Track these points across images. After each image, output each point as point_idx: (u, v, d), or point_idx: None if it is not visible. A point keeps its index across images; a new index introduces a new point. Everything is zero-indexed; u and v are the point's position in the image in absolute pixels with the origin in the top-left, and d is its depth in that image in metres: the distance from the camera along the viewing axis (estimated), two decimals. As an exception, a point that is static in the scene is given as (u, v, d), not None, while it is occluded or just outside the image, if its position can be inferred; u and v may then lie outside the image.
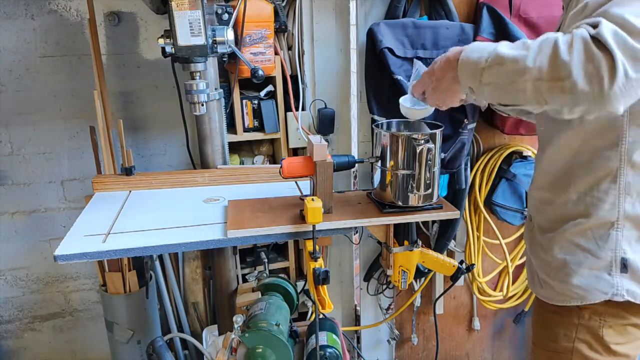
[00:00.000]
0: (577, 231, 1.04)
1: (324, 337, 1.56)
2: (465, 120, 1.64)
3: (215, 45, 1.37)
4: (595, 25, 0.78)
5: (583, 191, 1.03)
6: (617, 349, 1.05)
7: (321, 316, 1.69)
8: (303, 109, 1.88)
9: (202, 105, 1.46)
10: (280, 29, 1.80)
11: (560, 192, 1.07)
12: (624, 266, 1.00)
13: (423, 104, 1.24)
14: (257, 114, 1.87)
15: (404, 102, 1.29)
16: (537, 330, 1.19)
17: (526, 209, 1.85)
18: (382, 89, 1.68)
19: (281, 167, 1.29)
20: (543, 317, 1.15)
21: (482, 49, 0.92)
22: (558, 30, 1.06)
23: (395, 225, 1.41)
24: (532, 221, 1.18)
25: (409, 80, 1.37)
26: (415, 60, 1.32)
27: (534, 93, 0.83)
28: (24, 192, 2.02)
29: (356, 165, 1.44)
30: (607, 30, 0.76)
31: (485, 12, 1.66)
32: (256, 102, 1.85)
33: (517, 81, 0.83)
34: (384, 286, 2.05)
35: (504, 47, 0.87)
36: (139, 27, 1.93)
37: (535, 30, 1.68)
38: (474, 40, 1.66)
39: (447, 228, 1.88)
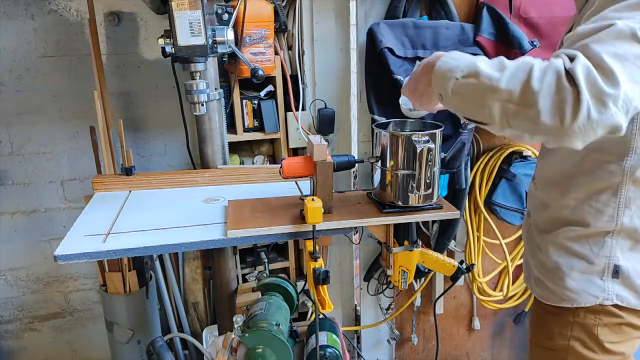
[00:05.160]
0: (572, 237, 1.06)
1: (324, 337, 1.56)
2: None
3: (215, 45, 1.37)
4: (572, 58, 0.77)
5: (581, 199, 1.04)
6: (612, 348, 1.06)
7: (321, 316, 1.68)
8: (303, 109, 1.88)
9: (202, 105, 1.46)
10: (280, 29, 1.80)
11: (559, 196, 1.08)
12: (616, 272, 1.02)
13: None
14: (257, 114, 1.86)
15: (403, 102, 1.30)
16: (534, 329, 1.20)
17: (526, 209, 1.85)
18: (382, 89, 1.68)
19: (281, 167, 1.29)
20: (539, 315, 1.17)
21: (461, 58, 0.91)
22: (569, 31, 1.06)
23: (395, 225, 1.41)
24: (530, 218, 1.19)
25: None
26: (417, 62, 1.32)
27: (500, 113, 0.82)
28: (24, 192, 2.02)
29: (356, 165, 1.44)
30: (581, 66, 0.75)
31: (485, 12, 1.66)
32: (256, 102, 1.85)
33: (486, 99, 0.83)
34: (384, 286, 2.05)
35: (482, 63, 0.86)
36: (139, 27, 1.93)
37: (535, 30, 1.68)
38: (474, 40, 1.66)
39: (447, 228, 1.88)
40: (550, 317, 1.12)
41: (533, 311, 1.23)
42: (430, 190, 1.31)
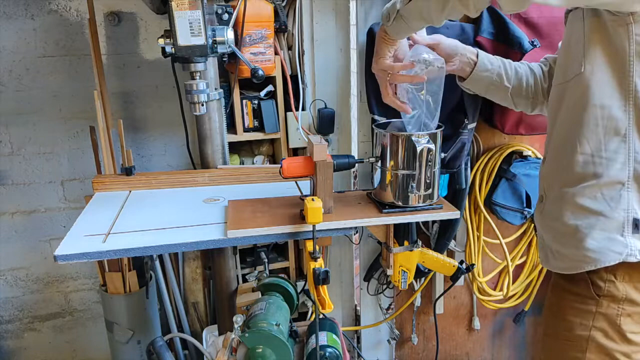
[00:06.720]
0: (587, 194, 1.04)
1: (324, 337, 1.56)
2: (465, 120, 1.64)
3: (215, 45, 1.37)
4: None
5: (590, 152, 1.03)
6: (634, 338, 1.04)
7: (321, 316, 1.69)
8: (303, 109, 1.88)
9: (202, 105, 1.46)
10: (280, 29, 1.80)
11: (568, 155, 1.07)
12: (636, 226, 1.01)
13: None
14: (257, 114, 1.86)
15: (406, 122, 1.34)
16: (550, 320, 1.18)
17: (526, 209, 1.85)
18: (382, 89, 1.68)
19: (281, 167, 1.29)
20: (557, 306, 1.15)
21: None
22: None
23: (395, 225, 1.41)
24: (543, 202, 1.17)
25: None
26: (417, 62, 1.33)
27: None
28: (24, 192, 2.02)
29: (356, 165, 1.44)
30: None
31: (485, 12, 1.66)
32: (256, 102, 1.85)
33: None
34: (384, 286, 2.05)
35: None
36: (139, 27, 1.93)
37: (535, 30, 1.68)
38: (474, 40, 1.66)
39: (447, 228, 1.88)
40: (569, 306, 1.10)
41: (549, 301, 1.21)
42: (430, 190, 1.31)
